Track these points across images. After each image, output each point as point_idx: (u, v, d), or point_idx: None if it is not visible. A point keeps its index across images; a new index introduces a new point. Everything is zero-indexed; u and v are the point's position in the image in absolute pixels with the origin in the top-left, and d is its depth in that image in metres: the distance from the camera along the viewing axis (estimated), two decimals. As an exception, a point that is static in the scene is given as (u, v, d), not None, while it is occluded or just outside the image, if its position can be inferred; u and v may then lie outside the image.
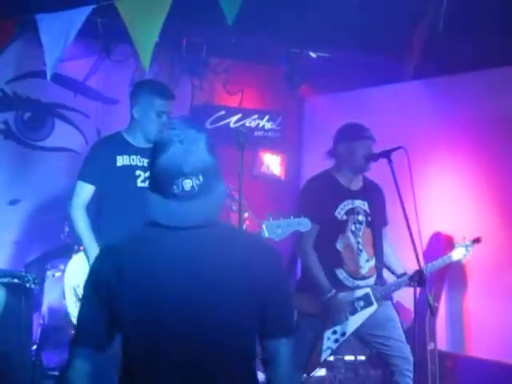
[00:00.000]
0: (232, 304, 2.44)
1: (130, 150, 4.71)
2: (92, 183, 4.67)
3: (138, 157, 4.70)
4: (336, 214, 4.82)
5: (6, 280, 5.40)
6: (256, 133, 7.88)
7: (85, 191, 4.68)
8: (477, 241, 5.16)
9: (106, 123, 7.07)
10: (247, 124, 7.84)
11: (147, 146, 4.68)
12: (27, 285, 5.42)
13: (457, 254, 5.09)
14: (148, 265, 2.48)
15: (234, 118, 7.81)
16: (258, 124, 7.91)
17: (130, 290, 2.45)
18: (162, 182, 2.46)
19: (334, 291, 4.74)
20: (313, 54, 7.35)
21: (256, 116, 7.92)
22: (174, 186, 2.44)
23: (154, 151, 2.50)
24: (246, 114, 7.90)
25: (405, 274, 4.83)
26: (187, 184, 2.43)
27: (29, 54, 6.55)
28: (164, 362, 2.43)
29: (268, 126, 7.97)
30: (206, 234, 2.49)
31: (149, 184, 2.56)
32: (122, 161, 4.67)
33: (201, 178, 2.44)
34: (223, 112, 7.81)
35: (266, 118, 7.96)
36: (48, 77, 4.67)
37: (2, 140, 6.83)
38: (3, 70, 6.56)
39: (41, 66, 6.53)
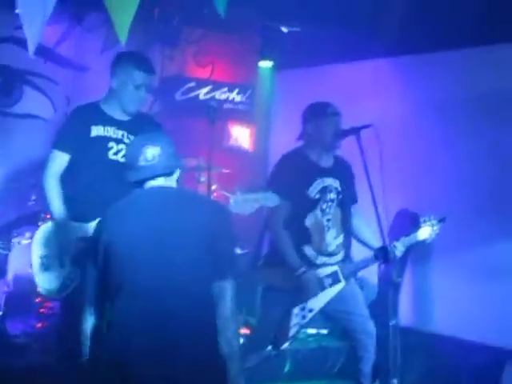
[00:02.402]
0: (188, 247, 3.15)
1: (106, 120, 4.62)
2: (66, 152, 4.58)
3: (113, 128, 4.61)
4: (309, 192, 4.80)
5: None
6: (225, 105, 7.85)
7: (59, 160, 4.59)
8: (442, 220, 5.16)
9: (75, 91, 6.99)
10: (217, 96, 7.80)
11: (124, 118, 4.64)
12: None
13: (423, 234, 5.06)
14: (126, 218, 3.25)
15: (204, 90, 7.76)
16: (228, 97, 7.87)
17: (114, 240, 3.18)
18: (130, 161, 3.34)
19: (303, 268, 4.73)
20: (284, 29, 7.29)
21: (226, 89, 7.88)
22: (140, 158, 3.27)
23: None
24: (216, 86, 7.86)
25: (382, 248, 4.76)
26: (149, 153, 3.27)
27: (-3, 20, 6.44)
28: (138, 293, 3.12)
29: (238, 98, 7.94)
30: (170, 191, 3.33)
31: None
32: (96, 131, 4.59)
33: (158, 149, 3.28)
34: (193, 84, 7.76)
35: (236, 90, 7.93)
36: (30, 52, 4.54)
37: (-30, 106, 6.73)
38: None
39: (10, 32, 6.48)
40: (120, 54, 4.75)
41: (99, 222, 3.40)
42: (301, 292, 4.76)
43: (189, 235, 3.16)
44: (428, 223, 5.07)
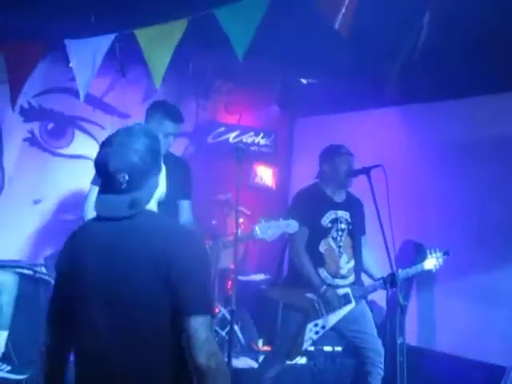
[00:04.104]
0: (142, 286, 2.36)
1: None
2: None
3: None
4: (322, 221, 4.85)
5: (27, 271, 5.39)
6: (252, 148, 7.89)
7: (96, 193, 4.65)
8: (446, 253, 5.16)
9: (120, 135, 7.07)
10: (244, 140, 7.84)
11: None
12: (43, 276, 5.42)
13: (428, 264, 5.09)
14: (78, 252, 2.51)
15: (233, 135, 7.81)
16: (254, 140, 7.91)
17: (65, 275, 2.52)
18: (98, 177, 2.53)
19: (325, 286, 4.75)
20: (303, 81, 7.35)
21: (252, 133, 7.92)
22: (104, 182, 2.49)
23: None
24: (244, 130, 7.90)
25: (382, 278, 4.77)
26: (113, 180, 2.44)
27: (53, 72, 6.55)
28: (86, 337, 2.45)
29: (262, 142, 7.97)
30: (128, 224, 2.46)
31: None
32: None
33: (126, 176, 2.44)
34: (223, 128, 7.81)
35: (261, 135, 7.96)
36: (81, 98, 4.66)
37: (27, 147, 6.80)
38: (30, 86, 6.51)
39: (64, 83, 6.60)
40: (153, 104, 4.81)
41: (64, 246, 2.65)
42: (315, 310, 4.78)
43: (134, 271, 2.37)
44: (434, 255, 5.10)
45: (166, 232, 2.47)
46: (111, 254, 2.42)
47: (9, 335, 4.95)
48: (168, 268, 2.35)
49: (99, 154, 2.51)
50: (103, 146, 2.52)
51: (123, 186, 2.45)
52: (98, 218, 2.53)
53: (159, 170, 2.61)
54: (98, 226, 2.51)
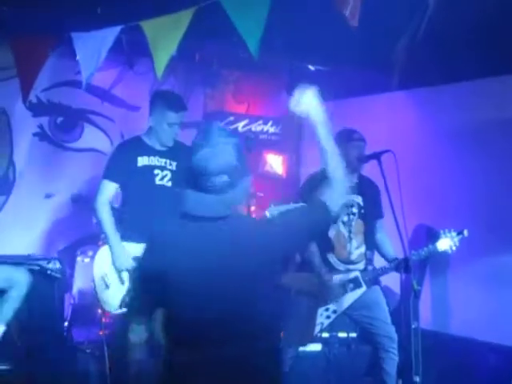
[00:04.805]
0: (250, 278, 2.52)
1: (149, 151, 4.70)
2: (115, 181, 4.65)
3: (157, 157, 4.69)
4: None
5: (40, 266, 5.40)
6: (261, 136, 7.87)
7: (108, 189, 4.66)
8: (461, 233, 5.00)
9: (128, 127, 7.07)
10: (253, 129, 7.82)
11: (163, 148, 4.70)
12: (52, 273, 5.42)
13: (442, 245, 4.91)
14: (171, 251, 2.57)
15: (242, 124, 7.79)
16: (263, 128, 7.89)
17: (154, 272, 2.56)
18: (193, 178, 2.56)
19: (327, 273, 4.78)
20: (311, 67, 7.32)
21: (261, 121, 7.90)
22: (202, 183, 2.53)
23: (191, 152, 2.59)
24: (253, 119, 7.88)
25: (395, 259, 4.78)
26: (212, 181, 2.52)
27: (61, 66, 6.55)
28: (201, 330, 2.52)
29: (271, 130, 7.95)
30: (224, 224, 2.54)
31: (185, 180, 2.61)
32: (142, 161, 4.66)
33: (224, 176, 2.53)
34: (232, 118, 7.79)
35: (270, 123, 7.94)
36: (83, 87, 4.68)
37: (37, 141, 6.85)
38: (39, 80, 6.52)
39: (72, 77, 6.61)
40: (153, 96, 4.84)
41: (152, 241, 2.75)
42: (325, 295, 4.78)
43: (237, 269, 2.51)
44: (448, 235, 4.97)
45: (256, 227, 2.64)
46: (212, 254, 2.51)
47: (13, 329, 4.98)
48: (282, 250, 2.63)
49: (198, 154, 2.54)
50: (199, 146, 2.57)
51: (221, 187, 2.54)
52: (189, 217, 2.56)
53: (250, 171, 2.70)
54: (193, 226, 2.56)
